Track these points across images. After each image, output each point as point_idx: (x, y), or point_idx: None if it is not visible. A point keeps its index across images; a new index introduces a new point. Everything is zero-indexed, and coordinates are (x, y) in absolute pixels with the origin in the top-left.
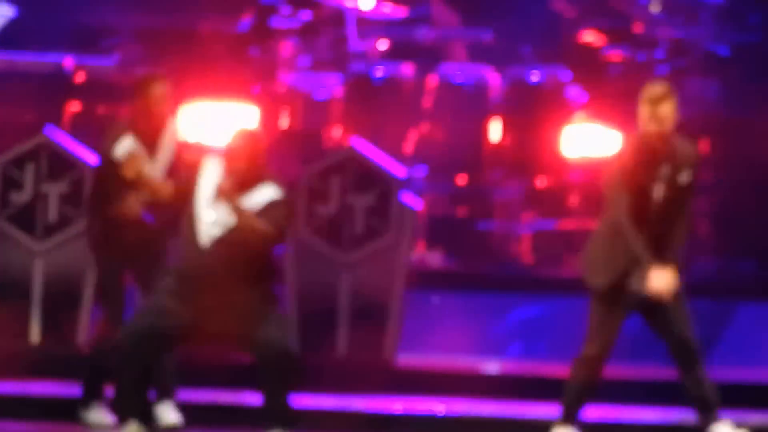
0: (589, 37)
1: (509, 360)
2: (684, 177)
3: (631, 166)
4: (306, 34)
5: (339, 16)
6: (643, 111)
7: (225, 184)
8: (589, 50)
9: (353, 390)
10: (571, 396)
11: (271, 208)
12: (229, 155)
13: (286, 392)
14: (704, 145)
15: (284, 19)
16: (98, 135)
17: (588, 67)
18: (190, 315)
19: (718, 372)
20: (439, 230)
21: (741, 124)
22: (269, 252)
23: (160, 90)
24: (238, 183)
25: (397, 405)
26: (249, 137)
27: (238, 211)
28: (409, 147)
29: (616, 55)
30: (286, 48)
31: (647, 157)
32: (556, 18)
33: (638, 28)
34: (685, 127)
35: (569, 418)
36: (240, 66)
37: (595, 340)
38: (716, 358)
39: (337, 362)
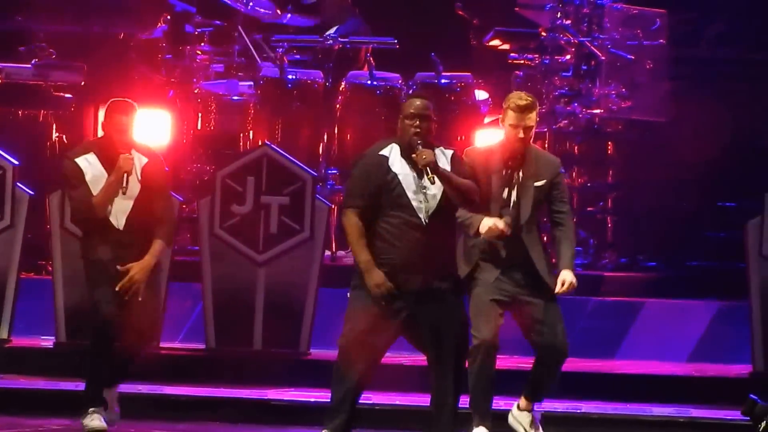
0: (496, 42)
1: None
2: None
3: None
4: (219, 40)
5: (251, 23)
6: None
7: (426, 155)
8: (495, 55)
9: (268, 383)
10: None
11: (456, 165)
12: (422, 117)
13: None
14: (609, 147)
15: (198, 25)
16: (18, 136)
17: (495, 71)
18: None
19: (624, 366)
20: None
21: (645, 125)
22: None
23: (124, 119)
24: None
25: (311, 396)
26: (426, 98)
27: (446, 177)
28: (321, 149)
29: (522, 60)
30: (200, 54)
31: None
32: (464, 24)
33: (544, 33)
34: (591, 128)
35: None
36: (155, 71)
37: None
38: (622, 353)
39: (253, 356)
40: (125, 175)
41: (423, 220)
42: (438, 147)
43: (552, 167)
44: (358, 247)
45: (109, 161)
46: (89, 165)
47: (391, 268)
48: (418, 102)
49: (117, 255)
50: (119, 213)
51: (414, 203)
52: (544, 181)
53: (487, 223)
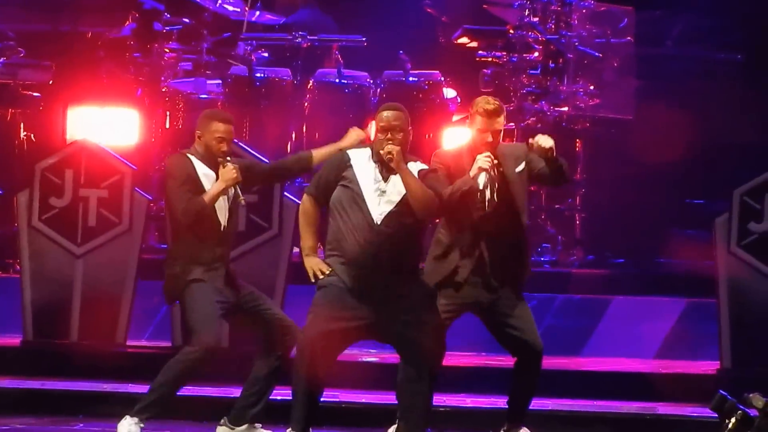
0: (464, 39)
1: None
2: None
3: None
4: (187, 38)
5: (220, 21)
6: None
7: (391, 148)
8: (463, 53)
9: (236, 380)
10: None
11: (425, 176)
12: (393, 129)
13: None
14: (577, 144)
15: (166, 23)
16: None
17: (463, 69)
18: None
19: (591, 363)
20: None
21: (612, 123)
22: (424, 228)
23: (223, 127)
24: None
25: (278, 395)
26: (402, 110)
27: (408, 174)
28: (289, 147)
29: (490, 58)
30: (169, 52)
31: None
32: (432, 22)
33: (512, 31)
34: (559, 125)
35: None
36: (123, 70)
37: None
38: (590, 350)
39: (222, 354)
40: (238, 185)
41: (375, 220)
42: (415, 161)
43: (520, 149)
44: (303, 232)
45: (211, 164)
46: (198, 163)
47: (342, 264)
48: (386, 114)
49: (217, 273)
50: (221, 211)
51: (368, 204)
52: (522, 163)
53: (480, 160)
